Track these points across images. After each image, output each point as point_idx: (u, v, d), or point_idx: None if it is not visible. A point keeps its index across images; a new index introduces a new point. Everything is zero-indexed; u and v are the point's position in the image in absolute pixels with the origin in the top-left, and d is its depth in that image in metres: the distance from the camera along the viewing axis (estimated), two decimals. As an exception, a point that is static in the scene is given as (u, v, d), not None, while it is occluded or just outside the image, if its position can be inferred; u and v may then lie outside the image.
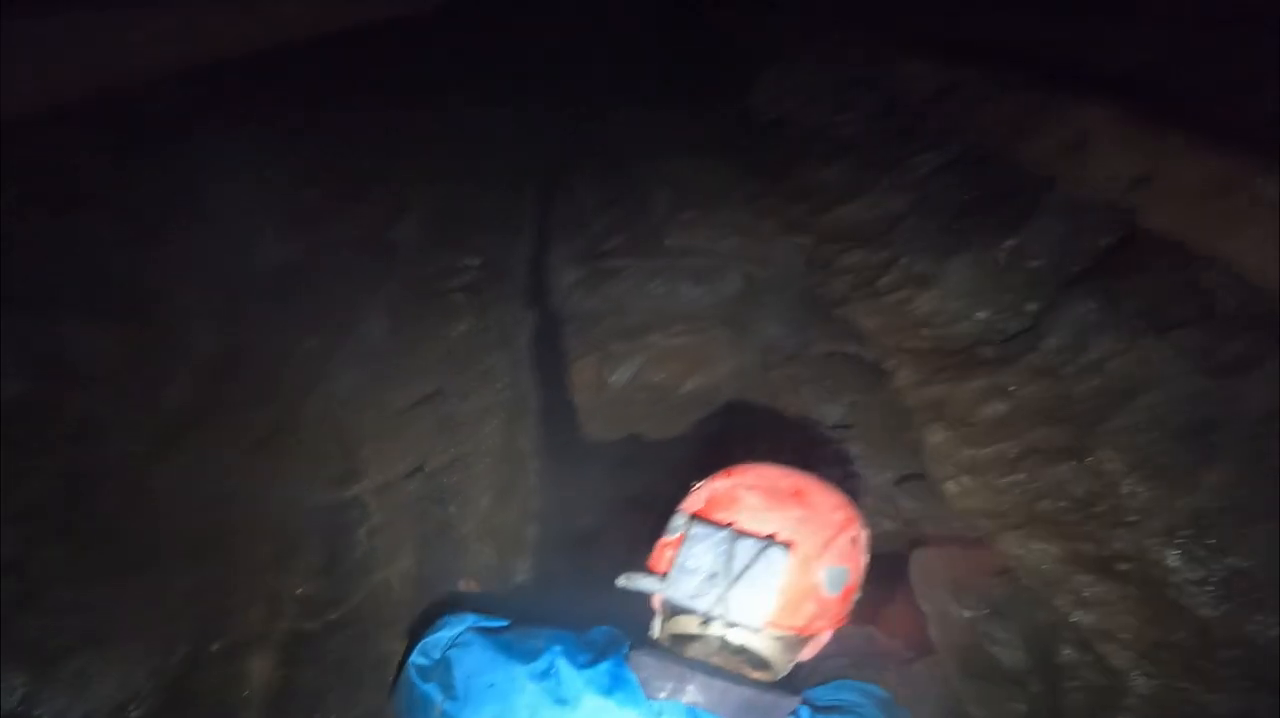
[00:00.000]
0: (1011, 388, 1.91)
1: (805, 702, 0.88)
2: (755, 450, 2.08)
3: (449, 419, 2.23)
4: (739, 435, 2.19)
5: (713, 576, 0.83)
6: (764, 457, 1.01)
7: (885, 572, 1.95)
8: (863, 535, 0.89)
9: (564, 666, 0.86)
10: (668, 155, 3.72)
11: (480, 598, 1.63)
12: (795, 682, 0.89)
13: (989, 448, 1.81)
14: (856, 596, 0.87)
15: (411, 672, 0.97)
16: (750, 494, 0.90)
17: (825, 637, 0.90)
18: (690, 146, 3.84)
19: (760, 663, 0.86)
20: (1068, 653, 1.49)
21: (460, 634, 0.96)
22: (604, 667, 0.86)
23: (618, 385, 2.35)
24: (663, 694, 0.83)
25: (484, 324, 2.64)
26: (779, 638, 0.85)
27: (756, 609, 0.82)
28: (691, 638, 0.88)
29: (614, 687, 0.87)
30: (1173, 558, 1.54)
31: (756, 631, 0.84)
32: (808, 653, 0.90)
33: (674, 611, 0.88)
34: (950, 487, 1.74)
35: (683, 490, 0.90)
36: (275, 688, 1.59)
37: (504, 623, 0.98)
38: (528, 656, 0.88)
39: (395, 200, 3.45)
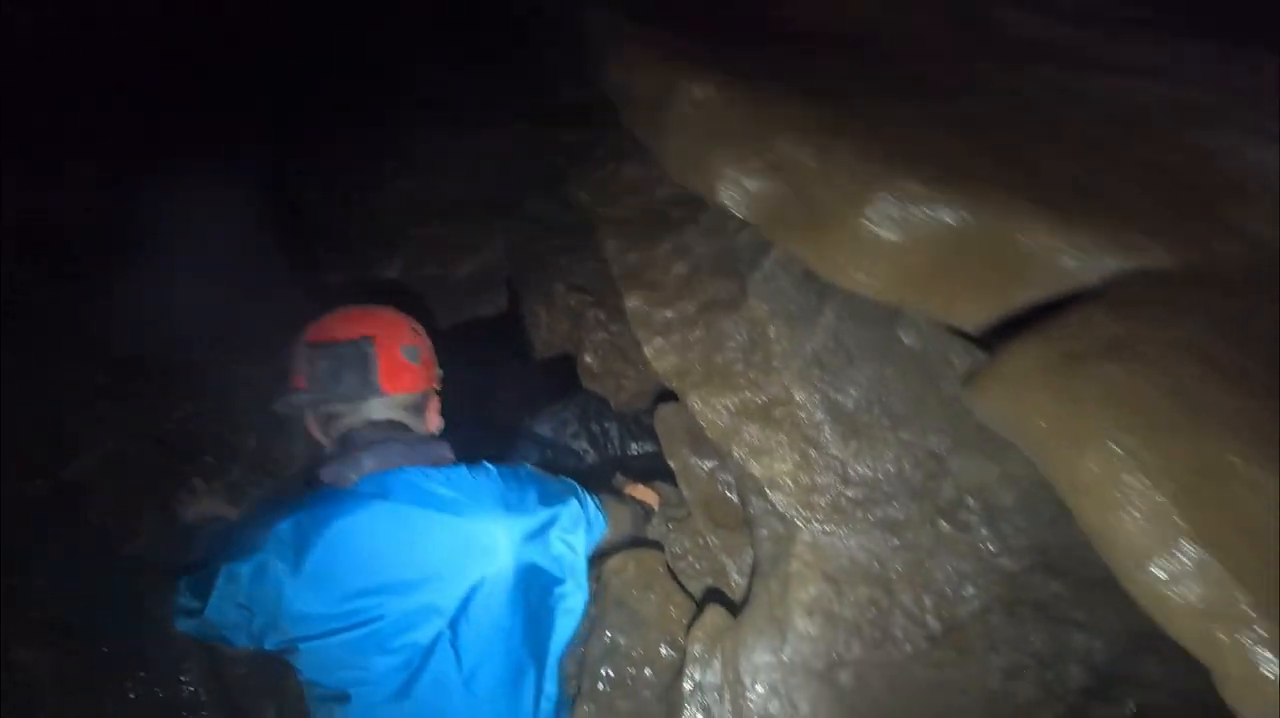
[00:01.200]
0: (693, 247, 1.89)
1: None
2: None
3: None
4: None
5: (334, 373, 1.18)
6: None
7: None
8: (420, 328, 1.45)
9: (293, 523, 1.24)
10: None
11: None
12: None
13: (674, 308, 1.84)
14: (435, 366, 1.46)
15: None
16: (341, 320, 1.29)
17: (435, 401, 1.44)
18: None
19: (399, 425, 1.23)
20: (755, 503, 1.64)
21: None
22: (310, 503, 1.27)
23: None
24: (353, 477, 1.12)
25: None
26: (399, 402, 1.18)
27: (369, 383, 1.34)
28: (346, 424, 1.30)
29: (325, 505, 1.26)
30: (801, 393, 1.57)
31: (381, 398, 1.22)
32: (433, 414, 1.25)
33: (325, 410, 1.21)
34: (648, 350, 1.79)
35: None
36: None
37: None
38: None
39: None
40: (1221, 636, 0.78)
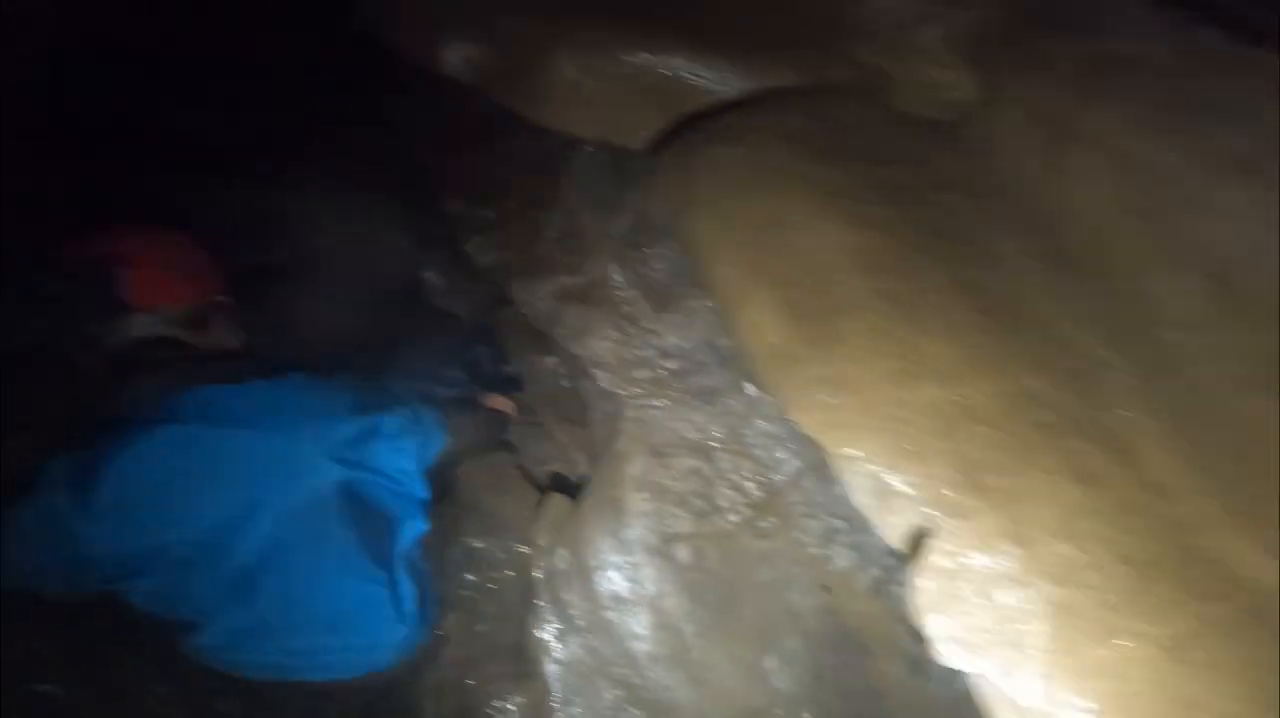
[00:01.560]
0: (514, 153, 1.88)
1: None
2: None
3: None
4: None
5: (88, 291, 1.19)
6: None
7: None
8: (187, 240, 1.42)
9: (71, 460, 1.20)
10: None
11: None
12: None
13: (494, 207, 1.84)
14: (210, 278, 1.41)
15: None
16: (95, 239, 1.23)
17: (222, 315, 1.30)
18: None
19: (176, 343, 1.25)
20: (585, 386, 1.65)
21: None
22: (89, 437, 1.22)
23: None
24: (132, 402, 1.25)
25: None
26: (170, 316, 1.21)
27: (121, 299, 1.28)
28: (112, 345, 1.31)
29: (107, 437, 1.21)
30: (614, 272, 1.55)
31: (142, 314, 1.24)
32: (220, 329, 1.25)
33: (84, 334, 1.26)
34: (470, 248, 1.81)
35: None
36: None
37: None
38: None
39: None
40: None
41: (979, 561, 0.90)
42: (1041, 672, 0.85)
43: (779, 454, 1.45)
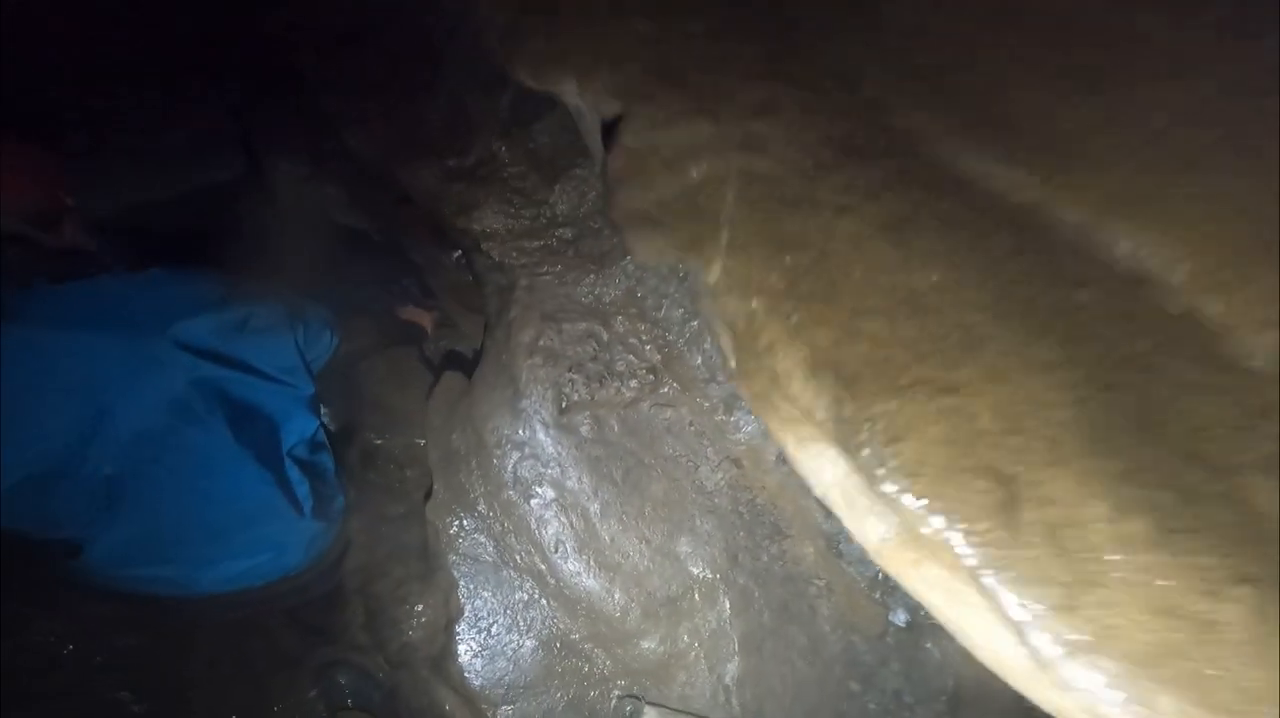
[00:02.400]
0: (392, 47, 1.87)
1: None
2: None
3: None
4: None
5: None
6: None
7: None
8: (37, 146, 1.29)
9: None
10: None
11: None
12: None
13: (374, 99, 1.83)
14: (54, 183, 1.28)
15: None
16: None
17: (74, 218, 1.15)
18: None
19: (24, 240, 1.11)
20: (478, 261, 1.62)
21: None
22: None
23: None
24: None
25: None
26: (16, 211, 1.09)
27: None
28: None
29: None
30: (500, 148, 1.51)
31: None
32: (71, 229, 1.12)
33: None
34: (351, 142, 1.76)
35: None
36: None
37: None
38: None
39: None
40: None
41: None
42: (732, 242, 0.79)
43: (677, 313, 1.40)
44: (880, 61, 0.87)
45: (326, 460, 1.47)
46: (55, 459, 1.16)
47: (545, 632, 1.51)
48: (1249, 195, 0.70)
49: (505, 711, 1.52)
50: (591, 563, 1.50)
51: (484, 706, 1.50)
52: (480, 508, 1.53)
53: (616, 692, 1.51)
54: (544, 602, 1.54)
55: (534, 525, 1.50)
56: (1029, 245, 0.71)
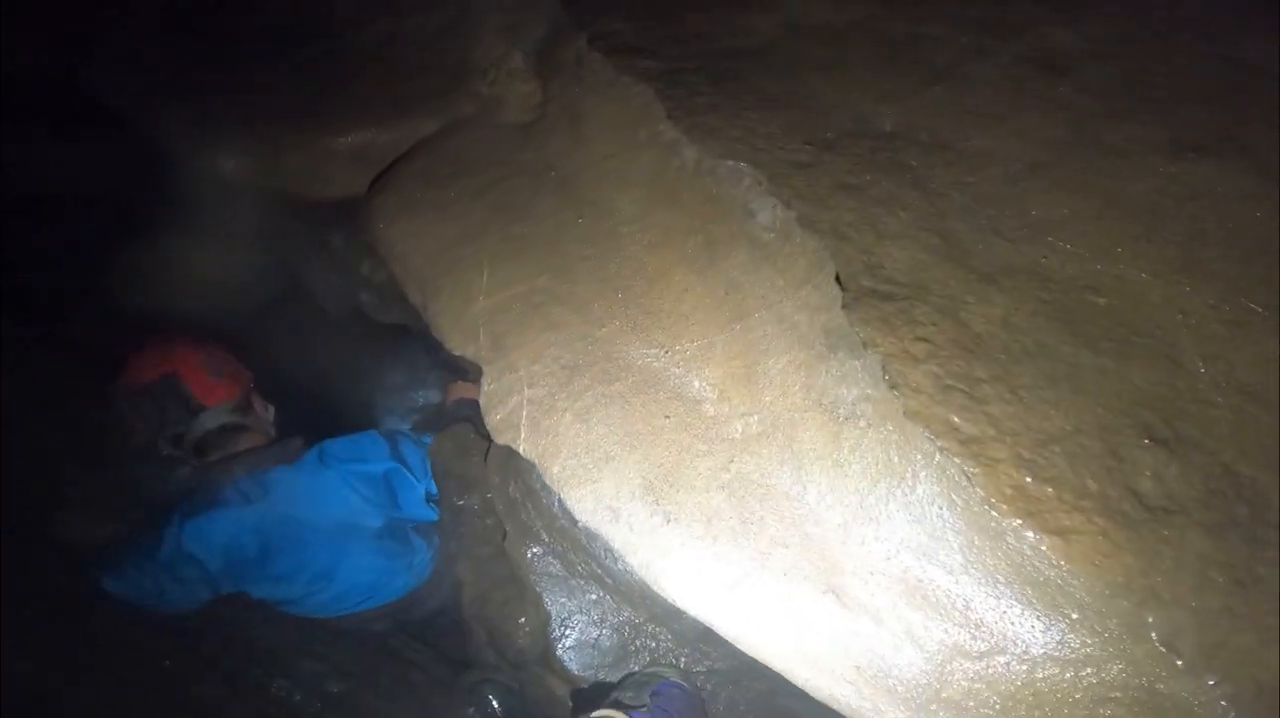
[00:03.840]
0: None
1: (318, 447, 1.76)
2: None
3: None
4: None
5: (160, 410, 1.59)
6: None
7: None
8: (211, 342, 1.88)
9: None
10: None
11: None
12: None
13: None
14: (241, 367, 1.90)
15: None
16: (144, 363, 1.73)
17: (258, 393, 1.70)
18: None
19: (240, 427, 1.70)
20: None
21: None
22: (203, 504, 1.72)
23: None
24: (228, 482, 1.73)
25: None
26: (225, 409, 1.66)
27: (191, 407, 1.77)
28: (191, 439, 1.74)
29: (217, 505, 1.74)
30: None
31: (206, 412, 1.67)
32: (259, 405, 1.70)
33: (169, 435, 1.69)
34: None
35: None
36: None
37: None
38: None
39: None
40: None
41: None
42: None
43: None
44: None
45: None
46: (297, 593, 1.74)
47: (614, 620, 1.86)
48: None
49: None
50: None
51: (584, 684, 1.87)
52: (543, 537, 1.90)
53: (683, 658, 1.88)
54: (607, 598, 1.88)
55: (584, 541, 1.88)
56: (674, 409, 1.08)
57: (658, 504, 1.43)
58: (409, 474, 1.88)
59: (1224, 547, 1.08)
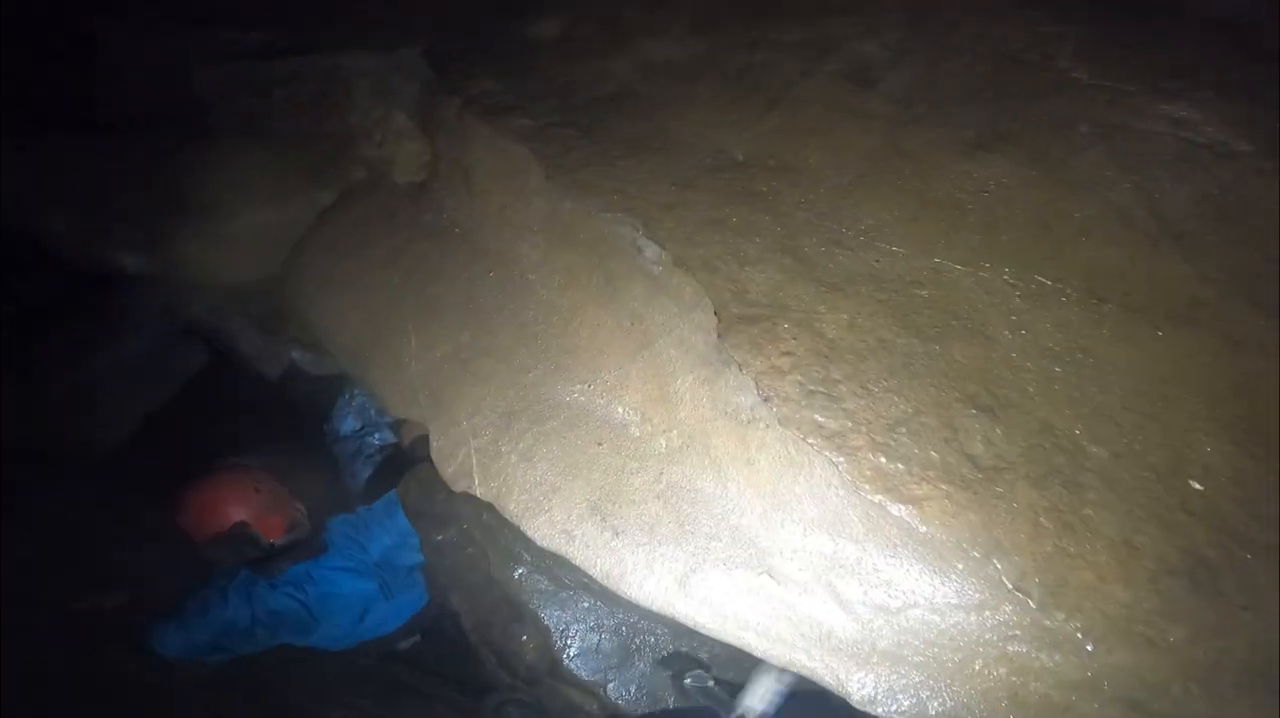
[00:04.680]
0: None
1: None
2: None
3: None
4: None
5: (238, 554, 2.10)
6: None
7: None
8: (259, 472, 2.17)
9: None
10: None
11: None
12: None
13: None
14: (284, 489, 2.18)
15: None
16: (208, 514, 2.10)
17: (296, 511, 2.22)
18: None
19: (296, 541, 2.16)
20: None
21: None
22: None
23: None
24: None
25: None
26: (286, 536, 2.12)
27: (264, 547, 2.10)
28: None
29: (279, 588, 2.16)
30: None
31: (278, 544, 2.11)
32: (298, 514, 1.92)
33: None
34: None
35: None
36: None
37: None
38: None
39: None
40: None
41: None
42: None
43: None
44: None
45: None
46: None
47: (610, 623, 2.04)
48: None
49: (611, 686, 2.03)
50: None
51: (597, 688, 2.03)
52: (525, 557, 2.06)
53: (683, 647, 2.03)
54: (599, 604, 2.06)
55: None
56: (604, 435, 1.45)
57: (605, 521, 1.64)
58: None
59: (1049, 495, 1.31)
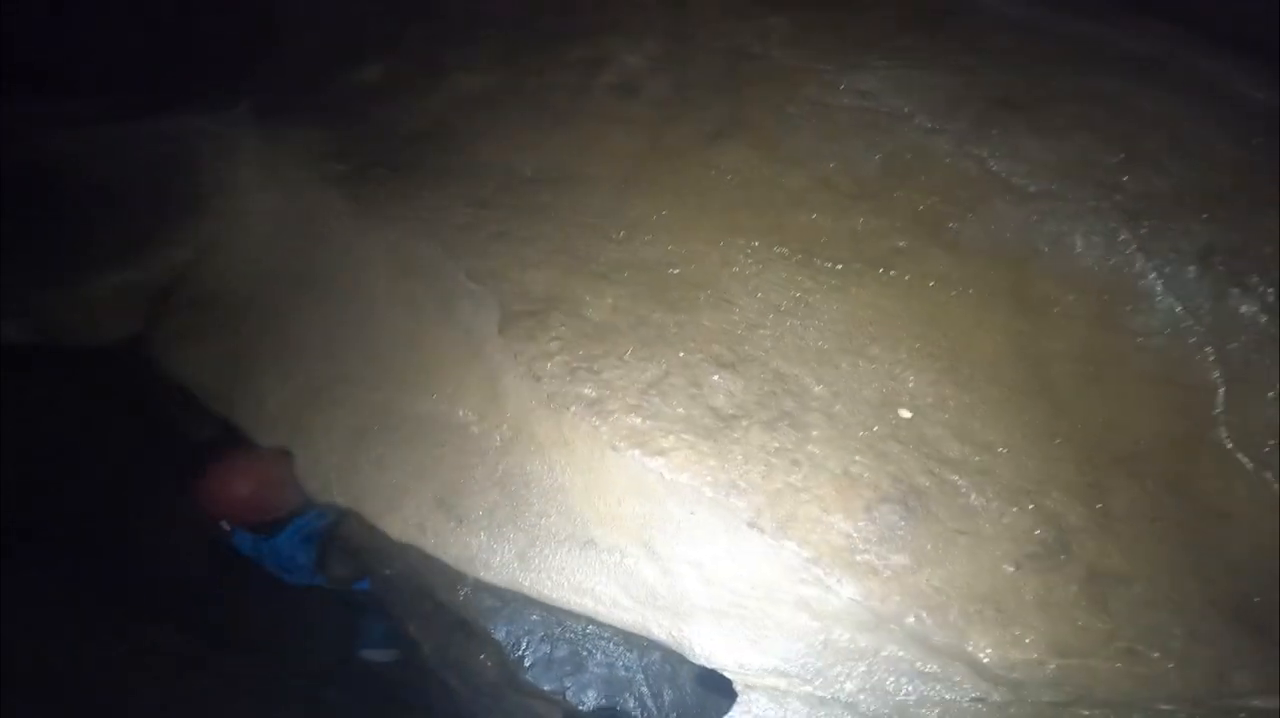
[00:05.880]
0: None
1: None
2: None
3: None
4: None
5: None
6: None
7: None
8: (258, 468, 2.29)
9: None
10: None
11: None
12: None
13: None
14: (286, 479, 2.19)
15: None
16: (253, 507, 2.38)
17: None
18: None
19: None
20: None
21: None
22: None
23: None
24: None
25: None
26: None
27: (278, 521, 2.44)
28: None
29: None
30: None
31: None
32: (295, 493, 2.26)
33: None
34: None
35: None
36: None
37: None
38: None
39: None
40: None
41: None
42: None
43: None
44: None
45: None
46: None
47: (558, 632, 2.04)
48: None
49: (570, 692, 2.02)
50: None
51: (556, 696, 2.03)
52: (468, 578, 2.03)
53: (634, 651, 2.04)
54: (543, 616, 2.03)
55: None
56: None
57: (450, 512, 1.86)
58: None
59: (778, 436, 1.52)
